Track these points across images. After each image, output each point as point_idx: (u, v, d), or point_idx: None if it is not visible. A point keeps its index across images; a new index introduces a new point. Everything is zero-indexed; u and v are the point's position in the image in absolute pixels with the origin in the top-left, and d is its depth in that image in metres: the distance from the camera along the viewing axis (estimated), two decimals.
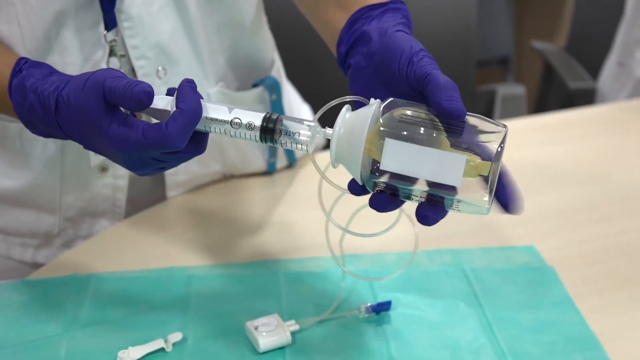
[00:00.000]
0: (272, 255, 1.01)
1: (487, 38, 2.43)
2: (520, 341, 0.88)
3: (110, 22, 0.94)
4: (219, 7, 1.03)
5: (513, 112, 1.74)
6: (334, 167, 0.73)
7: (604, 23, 1.95)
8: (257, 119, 0.74)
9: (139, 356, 0.83)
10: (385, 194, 0.72)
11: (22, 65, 0.79)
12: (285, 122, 0.74)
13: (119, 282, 0.95)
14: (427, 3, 1.69)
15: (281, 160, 1.19)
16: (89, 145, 0.77)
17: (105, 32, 0.95)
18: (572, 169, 1.25)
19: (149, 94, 0.71)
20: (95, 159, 1.02)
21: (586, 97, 1.81)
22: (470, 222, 1.07)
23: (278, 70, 1.18)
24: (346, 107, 0.73)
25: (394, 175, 0.70)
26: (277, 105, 1.13)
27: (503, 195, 0.74)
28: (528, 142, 1.34)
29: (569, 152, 1.30)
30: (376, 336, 0.88)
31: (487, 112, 1.82)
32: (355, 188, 0.73)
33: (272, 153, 1.17)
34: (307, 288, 0.95)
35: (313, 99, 1.36)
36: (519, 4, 2.72)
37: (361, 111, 0.72)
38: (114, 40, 0.96)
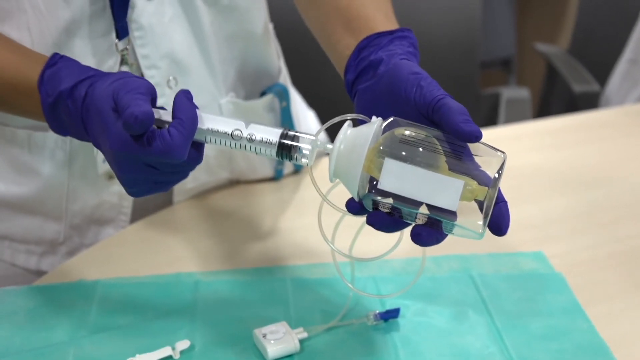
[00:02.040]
0: (280, 261, 1.01)
1: (489, 40, 2.42)
2: (530, 349, 0.87)
3: (122, 31, 0.94)
4: (231, 17, 1.02)
5: (518, 115, 1.73)
6: (331, 181, 0.74)
7: (609, 25, 1.95)
8: (273, 135, 0.73)
9: None
10: (382, 213, 0.72)
11: (58, 59, 0.79)
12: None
13: (125, 288, 0.95)
14: (431, 5, 1.69)
15: (288, 166, 1.19)
16: (98, 145, 0.76)
17: (116, 40, 0.94)
18: (578, 173, 1.24)
19: (137, 118, 0.69)
20: (103, 166, 1.01)
21: (590, 100, 1.81)
22: None
23: (285, 77, 1.17)
24: (348, 123, 0.73)
25: (391, 195, 0.70)
26: (286, 112, 1.13)
27: (495, 219, 0.72)
28: (533, 146, 1.33)
29: (574, 157, 1.30)
30: (385, 344, 0.87)
31: (492, 116, 1.82)
32: (353, 206, 0.74)
33: (280, 160, 1.16)
34: (315, 295, 0.94)
35: (317, 105, 1.35)
36: (521, 6, 2.72)
37: (363, 128, 0.72)
38: (126, 49, 0.96)
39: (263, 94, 1.11)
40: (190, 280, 0.96)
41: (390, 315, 0.90)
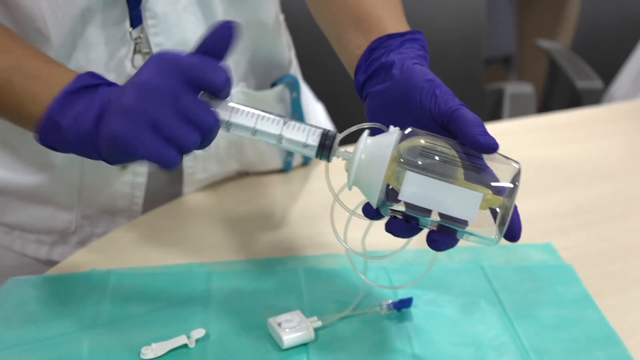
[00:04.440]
0: (291, 252, 1.01)
1: (490, 37, 2.43)
2: (542, 339, 0.88)
3: (136, 20, 0.94)
4: (243, 7, 1.03)
5: (522, 110, 1.73)
6: (349, 189, 0.75)
7: (612, 23, 1.96)
8: (313, 138, 0.75)
9: (163, 352, 0.83)
10: (401, 220, 0.74)
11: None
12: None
13: (138, 278, 0.95)
14: (436, 2, 1.69)
15: (296, 158, 1.19)
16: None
17: (130, 29, 0.94)
18: (584, 167, 1.25)
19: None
20: None
21: (593, 97, 1.82)
22: None
23: (295, 69, 1.18)
24: (366, 132, 0.74)
25: (409, 204, 0.72)
26: (296, 103, 1.13)
27: (509, 228, 0.74)
28: (538, 140, 1.34)
29: (579, 151, 1.30)
30: (398, 333, 0.88)
31: (496, 111, 1.82)
32: (370, 211, 0.75)
33: (290, 152, 1.17)
34: (328, 285, 0.95)
35: (324, 99, 1.35)
36: (522, 3, 2.73)
37: (382, 138, 0.73)
38: (139, 37, 0.96)
39: (274, 84, 1.12)
40: (202, 271, 0.96)
41: (403, 304, 0.90)
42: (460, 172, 0.71)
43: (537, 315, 0.91)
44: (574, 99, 1.85)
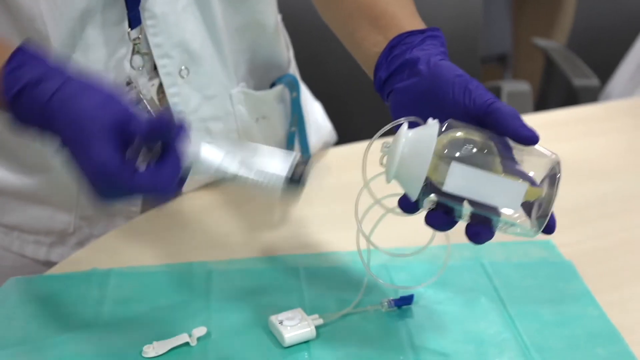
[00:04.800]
0: (291, 250, 1.01)
1: (486, 35, 2.43)
2: (543, 335, 0.88)
3: (135, 20, 0.94)
4: (242, 8, 1.03)
5: (518, 108, 1.72)
6: (388, 182, 0.75)
7: (608, 21, 1.96)
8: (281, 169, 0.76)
9: (164, 350, 0.83)
10: (441, 213, 0.74)
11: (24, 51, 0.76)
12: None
13: (139, 277, 0.95)
14: (433, 0, 1.69)
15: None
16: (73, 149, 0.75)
17: (129, 29, 0.94)
18: (582, 165, 1.25)
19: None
20: None
21: (590, 94, 1.82)
22: None
23: (294, 69, 1.18)
24: (406, 124, 0.74)
25: (447, 196, 0.72)
26: (296, 103, 1.13)
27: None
28: (541, 138, 1.33)
29: (577, 149, 1.30)
30: (399, 330, 0.88)
31: None
32: (407, 205, 0.76)
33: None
34: (328, 282, 0.95)
35: (322, 97, 1.35)
36: (518, 2, 2.73)
37: (423, 131, 0.73)
38: (138, 38, 0.96)
39: (273, 84, 1.12)
40: (203, 270, 0.96)
41: (404, 302, 0.90)
42: (499, 164, 0.72)
43: (538, 312, 0.91)
44: (571, 97, 1.85)
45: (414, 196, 0.74)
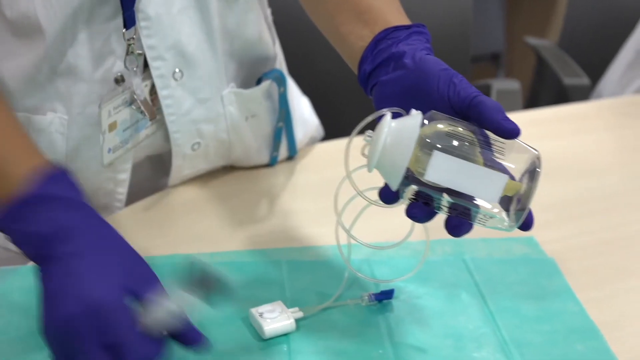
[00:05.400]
0: (274, 244, 1.02)
1: (478, 34, 2.43)
2: (522, 330, 0.88)
3: (129, 20, 0.94)
4: (235, 7, 1.03)
5: (508, 106, 1.73)
6: (370, 171, 0.75)
7: (597, 19, 1.97)
8: None
9: None
10: (421, 204, 0.75)
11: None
12: None
13: None
14: None
15: (282, 153, 1.20)
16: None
17: (124, 30, 0.94)
18: (569, 163, 1.26)
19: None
20: (108, 157, 1.01)
21: (580, 93, 1.82)
22: None
23: (281, 63, 1.18)
24: (389, 114, 0.75)
25: (427, 186, 0.73)
26: (283, 98, 1.13)
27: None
28: (523, 136, 1.34)
29: (565, 147, 1.31)
30: (379, 324, 0.88)
31: None
32: (388, 195, 0.76)
33: (276, 147, 1.17)
34: (310, 276, 0.95)
35: (310, 92, 1.36)
36: (511, 1, 2.74)
37: (406, 121, 0.74)
38: (132, 38, 0.95)
39: (259, 80, 1.12)
40: (185, 262, 0.97)
41: (385, 296, 0.91)
42: (480, 156, 0.72)
43: (518, 307, 0.92)
44: (561, 96, 1.85)
45: (395, 186, 0.74)
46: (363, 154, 0.75)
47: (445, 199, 0.74)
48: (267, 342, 0.85)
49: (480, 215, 0.74)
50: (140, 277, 0.75)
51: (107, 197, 1.07)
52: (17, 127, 0.84)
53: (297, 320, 0.87)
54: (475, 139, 0.73)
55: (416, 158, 0.72)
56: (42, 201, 0.74)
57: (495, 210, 0.74)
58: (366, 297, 0.90)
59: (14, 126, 0.84)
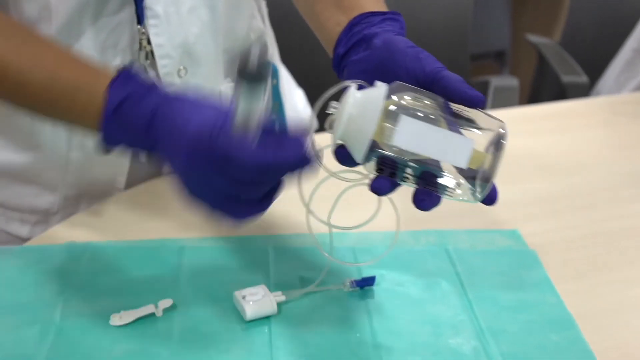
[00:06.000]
0: (262, 231, 1.04)
1: (484, 32, 2.45)
2: (499, 319, 0.91)
3: (142, 16, 0.96)
4: (241, 6, 1.05)
5: (505, 103, 1.76)
6: (335, 142, 0.76)
7: (598, 18, 1.98)
8: None
9: (131, 320, 0.86)
10: (385, 177, 0.75)
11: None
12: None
13: (113, 250, 0.98)
14: None
15: None
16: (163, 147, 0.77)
17: (138, 26, 0.96)
18: (556, 159, 1.28)
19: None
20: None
21: (578, 91, 1.84)
22: (456, 206, 1.10)
23: (272, 55, 1.20)
24: (354, 86, 0.75)
25: (393, 158, 0.73)
26: (276, 90, 1.15)
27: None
28: (515, 131, 1.35)
29: (553, 143, 1.33)
30: (359, 309, 0.91)
31: None
32: (344, 156, 0.76)
33: None
34: (295, 262, 0.98)
35: (306, 84, 1.38)
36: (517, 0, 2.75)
37: (371, 92, 0.74)
38: (142, 34, 0.97)
39: None
40: (175, 246, 1.00)
41: (366, 282, 0.93)
42: (446, 125, 0.73)
43: (496, 297, 0.94)
44: (561, 94, 1.87)
45: (360, 157, 0.74)
46: (329, 129, 0.76)
47: (412, 166, 0.74)
48: (249, 323, 0.87)
49: (447, 184, 0.74)
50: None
51: (106, 185, 1.11)
52: (72, 52, 0.86)
53: (280, 304, 0.89)
54: (440, 109, 0.74)
55: (381, 129, 0.72)
56: (129, 100, 0.77)
57: (462, 181, 0.74)
58: (348, 283, 0.93)
59: (70, 52, 0.85)
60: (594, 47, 2.00)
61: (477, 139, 0.73)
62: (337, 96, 0.75)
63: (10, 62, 0.81)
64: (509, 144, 1.26)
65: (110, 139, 0.79)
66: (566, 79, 1.85)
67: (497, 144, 0.74)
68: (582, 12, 2.03)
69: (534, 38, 2.07)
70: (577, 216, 1.12)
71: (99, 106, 0.77)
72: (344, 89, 0.76)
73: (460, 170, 0.74)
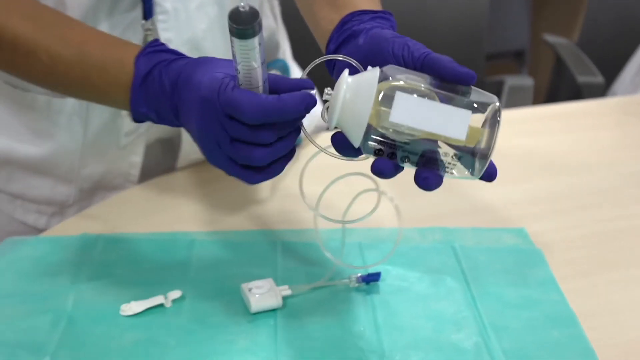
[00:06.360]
0: (272, 226, 1.06)
1: (503, 31, 2.46)
2: (502, 316, 0.92)
3: (149, 12, 0.98)
4: (251, 0, 1.06)
5: (518, 102, 1.77)
6: (331, 129, 0.76)
7: (619, 20, 1.98)
8: None
9: (140, 310, 0.89)
10: (386, 158, 0.74)
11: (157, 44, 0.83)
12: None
13: (125, 242, 1.00)
14: None
15: None
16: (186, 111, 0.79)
17: (143, 21, 0.98)
18: (565, 158, 1.29)
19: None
20: (124, 139, 1.06)
21: (594, 91, 1.84)
22: (463, 203, 1.12)
23: (284, 52, 1.21)
24: (346, 71, 0.75)
25: (390, 139, 0.73)
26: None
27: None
28: (524, 131, 1.37)
29: (562, 143, 1.34)
30: (364, 304, 0.92)
31: None
32: (339, 139, 0.77)
33: None
34: (302, 257, 1.00)
35: (317, 81, 1.39)
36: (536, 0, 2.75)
37: (364, 75, 0.74)
38: (149, 30, 0.99)
39: None
40: (186, 239, 1.02)
41: (372, 278, 0.95)
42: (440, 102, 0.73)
43: (501, 294, 0.95)
44: (577, 94, 1.87)
45: (357, 141, 0.74)
46: (323, 118, 0.76)
47: (410, 147, 0.73)
48: (255, 316, 0.89)
49: (446, 161, 0.74)
50: None
51: (120, 177, 1.13)
52: (98, 30, 0.89)
53: (286, 298, 0.91)
54: (433, 90, 0.73)
55: (377, 113, 0.72)
56: (156, 68, 0.81)
57: (459, 158, 0.74)
58: (354, 279, 0.95)
59: (96, 30, 0.89)
60: (611, 47, 2.00)
61: (472, 115, 0.72)
62: (332, 83, 0.76)
63: (40, 43, 0.84)
64: (517, 144, 1.29)
65: (140, 107, 0.82)
66: (582, 79, 1.85)
67: (493, 119, 0.73)
68: (600, 13, 2.03)
69: (550, 38, 2.08)
70: (583, 216, 1.13)
71: (130, 76, 0.81)
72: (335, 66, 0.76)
73: (458, 147, 0.73)
